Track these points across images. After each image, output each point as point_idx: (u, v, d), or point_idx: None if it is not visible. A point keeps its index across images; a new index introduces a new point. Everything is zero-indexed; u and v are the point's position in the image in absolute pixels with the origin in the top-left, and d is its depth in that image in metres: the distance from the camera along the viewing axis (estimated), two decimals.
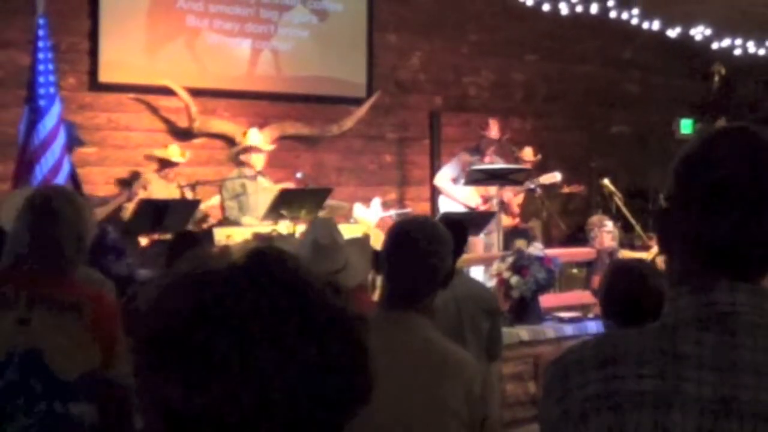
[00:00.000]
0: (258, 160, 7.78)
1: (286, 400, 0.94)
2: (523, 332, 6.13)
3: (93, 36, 7.80)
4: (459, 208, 8.16)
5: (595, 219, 7.60)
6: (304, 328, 0.96)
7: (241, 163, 7.83)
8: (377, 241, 7.15)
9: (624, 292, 3.05)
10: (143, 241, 6.78)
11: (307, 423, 0.96)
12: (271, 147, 8.06)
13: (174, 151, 7.66)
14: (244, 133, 8.03)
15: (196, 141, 8.31)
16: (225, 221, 7.57)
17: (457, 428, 2.34)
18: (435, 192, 8.76)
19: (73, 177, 7.11)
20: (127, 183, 7.71)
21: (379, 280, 6.51)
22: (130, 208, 6.97)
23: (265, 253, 1.01)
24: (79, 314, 2.60)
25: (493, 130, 8.47)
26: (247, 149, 7.77)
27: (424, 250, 2.47)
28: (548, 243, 8.31)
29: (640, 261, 3.77)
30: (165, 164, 7.65)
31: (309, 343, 0.96)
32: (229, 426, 0.94)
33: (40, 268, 2.73)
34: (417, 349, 2.39)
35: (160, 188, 7.33)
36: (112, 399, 2.31)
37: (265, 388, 0.93)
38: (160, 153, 7.65)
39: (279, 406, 0.94)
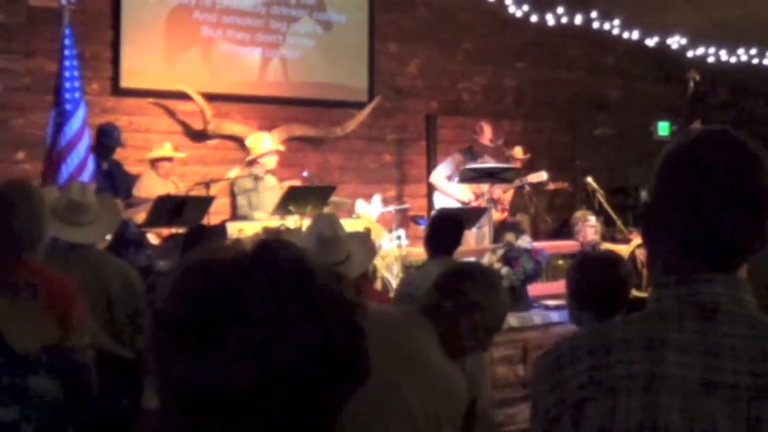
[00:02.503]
0: (271, 161, 7.80)
1: (285, 378, 0.93)
2: (513, 319, 6.13)
3: (115, 45, 7.79)
4: (453, 204, 8.14)
5: (579, 214, 7.57)
6: (304, 311, 0.96)
7: (252, 164, 7.82)
8: (377, 235, 7.16)
9: (593, 284, 3.02)
10: (153, 238, 6.68)
11: (306, 401, 0.95)
12: (281, 147, 8.06)
13: (167, 149, 7.58)
14: (252, 140, 7.98)
15: (210, 142, 8.32)
16: (236, 218, 7.54)
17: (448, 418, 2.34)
18: (431, 189, 8.75)
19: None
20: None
21: (378, 272, 6.52)
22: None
23: (270, 243, 1.01)
24: (33, 295, 2.63)
25: (487, 135, 8.44)
26: (263, 155, 7.76)
27: None
28: (536, 236, 8.30)
29: (608, 252, 3.74)
30: (160, 161, 7.45)
31: (309, 325, 0.95)
32: (234, 402, 0.93)
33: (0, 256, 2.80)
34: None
35: (158, 185, 7.22)
36: (73, 373, 2.33)
37: (265, 366, 0.93)
38: (155, 153, 7.52)
39: (279, 384, 0.93)
